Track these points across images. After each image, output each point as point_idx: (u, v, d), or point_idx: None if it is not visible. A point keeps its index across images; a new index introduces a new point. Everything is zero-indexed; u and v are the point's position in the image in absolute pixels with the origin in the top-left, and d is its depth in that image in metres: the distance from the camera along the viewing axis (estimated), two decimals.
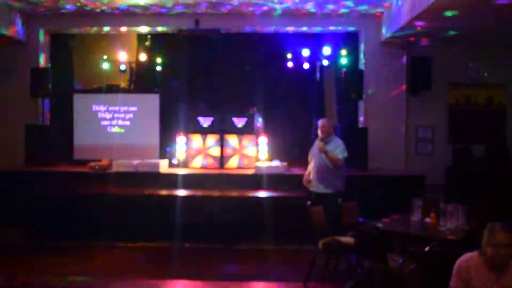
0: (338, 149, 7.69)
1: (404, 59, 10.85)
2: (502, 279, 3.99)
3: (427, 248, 5.27)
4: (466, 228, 6.10)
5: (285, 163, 10.22)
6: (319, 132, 7.82)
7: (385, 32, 10.42)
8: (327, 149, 7.63)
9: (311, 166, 8.03)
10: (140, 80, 13.37)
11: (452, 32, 9.69)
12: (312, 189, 7.93)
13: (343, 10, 10.40)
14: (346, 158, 7.79)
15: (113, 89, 12.03)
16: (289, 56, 12.78)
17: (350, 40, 11.71)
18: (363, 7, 10.20)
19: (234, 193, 9.34)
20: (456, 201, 6.40)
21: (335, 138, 7.90)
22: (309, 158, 8.11)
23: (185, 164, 10.65)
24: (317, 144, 7.75)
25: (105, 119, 11.37)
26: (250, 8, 10.36)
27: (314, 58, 12.63)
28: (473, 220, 6.24)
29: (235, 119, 10.89)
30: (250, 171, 10.20)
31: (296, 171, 10.05)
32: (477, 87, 11.06)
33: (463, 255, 4.16)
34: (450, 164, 10.67)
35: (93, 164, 10.00)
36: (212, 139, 10.69)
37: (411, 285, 4.94)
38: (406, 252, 6.41)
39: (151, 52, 12.91)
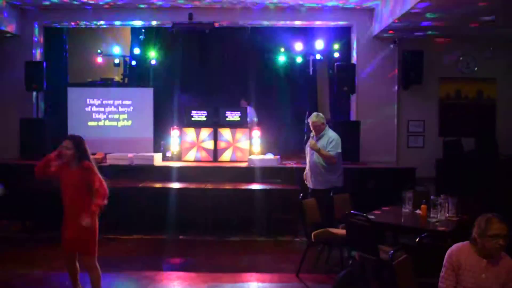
0: (330, 145, 7.59)
1: (396, 53, 10.94)
2: (492, 268, 4.09)
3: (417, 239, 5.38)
4: (456, 219, 6.21)
5: (278, 156, 10.31)
6: (312, 130, 7.81)
7: (377, 27, 10.50)
8: (319, 147, 7.58)
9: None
10: (134, 74, 13.43)
11: (434, 32, 9.88)
12: (309, 185, 7.91)
13: (335, 4, 10.47)
14: (340, 153, 7.74)
15: (107, 82, 12.06)
16: (282, 50, 12.87)
17: (342, 34, 11.79)
18: (355, 2, 10.29)
19: (228, 186, 9.42)
20: (446, 193, 6.50)
21: (328, 132, 7.79)
22: (306, 152, 8.05)
23: (179, 157, 10.72)
24: (309, 142, 7.69)
25: (99, 112, 11.41)
26: (243, 2, 10.41)
27: (307, 52, 12.72)
28: (462, 212, 6.36)
29: (228, 113, 10.94)
30: (243, 164, 10.28)
31: (288, 164, 10.14)
32: (468, 81, 11.16)
33: (454, 245, 4.25)
34: (440, 157, 10.78)
35: None
36: (205, 132, 10.74)
37: (401, 275, 5.02)
38: (397, 243, 6.53)
39: (145, 46, 12.96)
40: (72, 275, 5.73)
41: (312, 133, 7.79)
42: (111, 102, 11.41)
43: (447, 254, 4.22)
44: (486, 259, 4.10)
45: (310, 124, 7.77)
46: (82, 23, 11.36)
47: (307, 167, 7.91)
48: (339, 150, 7.67)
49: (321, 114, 7.91)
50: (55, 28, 11.71)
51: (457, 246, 4.23)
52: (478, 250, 4.11)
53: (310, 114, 8.05)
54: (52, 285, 6.63)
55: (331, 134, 7.76)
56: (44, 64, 10.76)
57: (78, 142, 5.59)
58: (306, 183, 8.08)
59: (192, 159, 10.70)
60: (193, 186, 9.41)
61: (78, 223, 5.39)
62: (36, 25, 11.14)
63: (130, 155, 10.11)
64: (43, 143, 10.47)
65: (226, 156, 10.71)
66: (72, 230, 5.50)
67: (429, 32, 10.28)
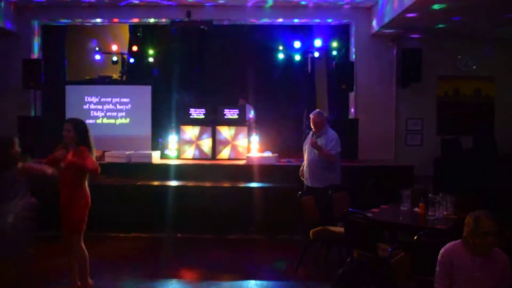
0: (331, 144, 7.51)
1: (394, 52, 10.94)
2: (486, 265, 4.09)
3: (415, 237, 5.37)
4: (454, 217, 6.21)
5: (276, 154, 10.31)
6: (312, 126, 7.76)
7: (376, 25, 10.50)
8: (320, 145, 7.54)
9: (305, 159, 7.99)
10: (132, 71, 13.41)
11: (440, 25, 9.82)
12: (306, 183, 7.84)
13: (334, 2, 10.47)
14: (340, 152, 7.67)
15: (105, 80, 12.04)
16: (280, 48, 12.86)
17: (341, 32, 11.78)
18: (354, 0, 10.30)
19: (226, 184, 9.42)
20: (444, 191, 6.49)
21: (328, 131, 7.71)
22: (303, 149, 7.98)
23: (177, 155, 10.71)
24: (310, 140, 7.67)
25: (97, 110, 11.40)
26: (242, 0, 10.41)
27: (306, 50, 12.71)
28: (460, 210, 6.35)
29: (226, 111, 10.94)
30: (242, 162, 10.28)
31: (287, 162, 10.14)
32: (466, 80, 11.17)
33: (447, 245, 4.25)
34: (439, 155, 10.78)
35: None
36: (204, 130, 10.73)
37: (400, 273, 5.01)
38: (395, 241, 6.52)
39: (143, 43, 12.93)
40: (71, 268, 5.80)
41: (312, 131, 7.76)
42: (109, 99, 11.40)
43: (440, 254, 4.21)
44: (479, 257, 4.09)
45: (311, 120, 7.70)
46: (80, 21, 11.34)
47: (305, 163, 7.89)
48: (339, 150, 7.62)
49: (323, 112, 7.86)
50: (52, 26, 11.68)
51: (449, 246, 4.23)
52: (470, 248, 4.10)
53: (309, 112, 8.02)
54: (51, 283, 6.60)
55: (331, 133, 7.70)
56: (42, 62, 10.75)
57: (77, 124, 5.76)
58: (302, 179, 8.06)
59: (190, 157, 10.70)
60: (191, 184, 9.41)
61: (66, 202, 5.73)
62: (33, 23, 11.11)
63: (128, 153, 10.11)
64: (41, 141, 10.45)
65: (224, 154, 10.71)
66: (62, 207, 5.82)
67: (428, 29, 10.27)
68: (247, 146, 10.69)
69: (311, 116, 7.72)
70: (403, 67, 10.81)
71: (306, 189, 7.76)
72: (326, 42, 12.09)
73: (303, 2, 10.46)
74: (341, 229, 6.54)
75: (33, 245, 5.60)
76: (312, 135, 7.68)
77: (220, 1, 10.51)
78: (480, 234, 4.00)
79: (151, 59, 12.95)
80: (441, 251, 4.21)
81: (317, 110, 7.91)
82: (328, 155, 7.49)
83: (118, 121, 11.40)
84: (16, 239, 5.44)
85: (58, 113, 11.24)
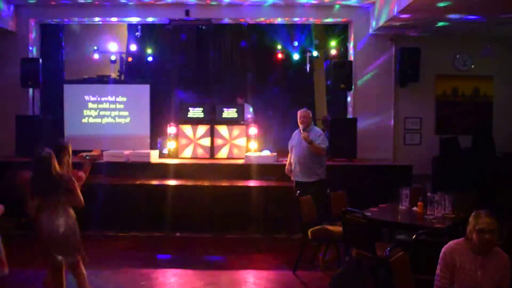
0: (319, 138, 7.78)
1: (393, 51, 10.93)
2: (487, 264, 4.10)
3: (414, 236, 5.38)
4: (452, 216, 6.22)
5: (274, 153, 10.31)
6: (299, 123, 7.91)
7: (374, 24, 10.49)
8: (311, 139, 7.71)
9: (291, 156, 8.12)
10: (131, 70, 13.39)
11: (440, 24, 9.82)
12: (295, 178, 8.01)
13: (333, 1, 10.46)
14: (327, 147, 7.95)
15: (103, 79, 12.03)
16: (279, 47, 12.86)
17: (340, 31, 11.79)
18: None
19: (224, 183, 9.41)
20: (443, 191, 6.50)
21: (314, 127, 8.06)
22: (289, 148, 8.20)
23: (175, 154, 10.71)
24: (302, 134, 7.78)
25: (95, 109, 11.39)
26: None
27: (304, 49, 12.71)
28: (459, 209, 6.36)
29: (225, 110, 10.94)
30: (240, 161, 10.28)
31: (285, 161, 10.13)
32: (464, 79, 11.17)
33: (449, 243, 4.26)
34: (437, 154, 10.79)
35: (83, 154, 9.98)
36: (202, 129, 10.73)
37: (398, 272, 5.01)
38: (393, 240, 6.54)
39: (142, 42, 12.92)
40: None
41: (299, 127, 7.94)
42: (107, 98, 11.39)
43: (442, 251, 4.22)
44: (480, 255, 4.10)
45: (300, 116, 7.95)
46: (78, 20, 11.33)
47: (294, 160, 8.02)
48: (327, 144, 7.95)
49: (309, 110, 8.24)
50: (51, 25, 11.67)
51: (452, 244, 4.24)
52: (472, 246, 4.11)
53: None
54: None
55: (316, 129, 8.09)
56: (40, 61, 10.73)
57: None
58: (289, 175, 8.20)
59: (189, 156, 10.69)
60: (189, 183, 9.41)
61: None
62: (32, 22, 11.09)
63: (126, 152, 10.09)
64: (40, 140, 10.43)
65: (222, 153, 10.70)
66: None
67: (426, 28, 10.27)
68: (245, 145, 10.69)
69: (299, 112, 8.02)
70: (401, 66, 10.80)
71: (296, 184, 7.94)
72: (325, 41, 12.09)
73: (302, 1, 10.44)
74: (340, 228, 6.55)
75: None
76: (302, 131, 7.88)
77: (218, 0, 10.50)
78: (478, 231, 4.02)
79: (149, 58, 12.94)
80: (443, 248, 4.22)
81: (305, 108, 8.27)
82: (319, 149, 7.73)
83: (117, 120, 11.38)
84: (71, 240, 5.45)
85: (56, 112, 11.25)
